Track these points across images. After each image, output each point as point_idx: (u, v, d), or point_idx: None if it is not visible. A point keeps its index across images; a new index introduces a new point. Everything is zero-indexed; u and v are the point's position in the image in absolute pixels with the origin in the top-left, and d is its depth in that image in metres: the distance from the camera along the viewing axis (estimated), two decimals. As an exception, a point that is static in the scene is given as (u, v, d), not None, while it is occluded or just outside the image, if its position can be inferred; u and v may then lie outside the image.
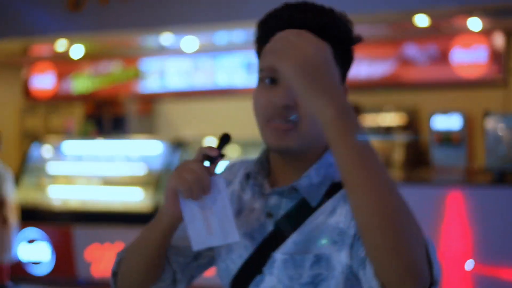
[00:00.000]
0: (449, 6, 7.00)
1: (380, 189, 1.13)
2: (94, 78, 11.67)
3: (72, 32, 8.65)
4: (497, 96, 9.16)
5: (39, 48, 10.46)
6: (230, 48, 10.41)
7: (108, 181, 7.48)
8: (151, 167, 7.49)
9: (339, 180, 1.41)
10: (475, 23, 8.22)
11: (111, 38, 9.14)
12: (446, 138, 8.57)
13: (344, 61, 1.45)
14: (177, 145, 7.20)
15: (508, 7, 7.03)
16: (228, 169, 1.67)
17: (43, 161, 7.97)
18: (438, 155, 8.65)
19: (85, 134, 9.50)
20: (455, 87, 9.31)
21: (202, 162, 1.40)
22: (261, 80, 1.48)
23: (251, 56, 10.47)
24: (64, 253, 7.17)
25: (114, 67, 11.45)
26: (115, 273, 1.60)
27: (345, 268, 1.37)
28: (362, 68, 9.75)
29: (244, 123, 10.02)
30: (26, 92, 12.29)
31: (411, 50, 9.51)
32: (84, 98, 11.36)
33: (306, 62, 1.18)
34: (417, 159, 9.38)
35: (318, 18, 1.40)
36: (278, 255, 1.42)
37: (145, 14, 8.09)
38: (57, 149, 8.13)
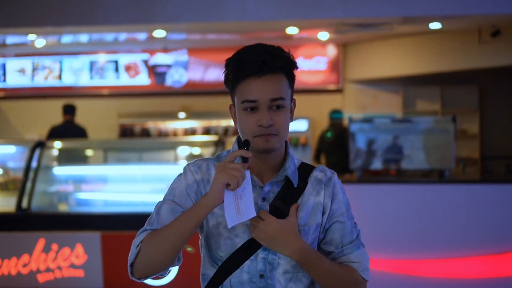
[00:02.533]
0: (298, 20, 7.59)
1: (328, 274, 1.99)
2: None
3: None
4: (336, 100, 10.00)
5: None
6: (76, 50, 10.34)
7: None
8: (8, 169, 7.29)
9: (300, 164, 2.11)
10: (318, 36, 8.94)
11: None
12: (294, 141, 9.24)
13: (293, 83, 2.04)
14: (35, 146, 7.04)
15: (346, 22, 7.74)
16: (199, 169, 2.08)
17: None
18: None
19: None
20: (299, 92, 9.98)
21: (240, 161, 1.89)
22: (244, 109, 1.97)
23: (95, 58, 10.47)
24: None
25: None
26: (132, 264, 1.99)
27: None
28: (196, 73, 10.22)
29: (90, 122, 10.10)
30: None
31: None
32: None
33: (297, 247, 1.95)
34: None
35: (280, 59, 1.98)
36: None
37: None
38: None
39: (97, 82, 10.55)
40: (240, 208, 1.87)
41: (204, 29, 8.42)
